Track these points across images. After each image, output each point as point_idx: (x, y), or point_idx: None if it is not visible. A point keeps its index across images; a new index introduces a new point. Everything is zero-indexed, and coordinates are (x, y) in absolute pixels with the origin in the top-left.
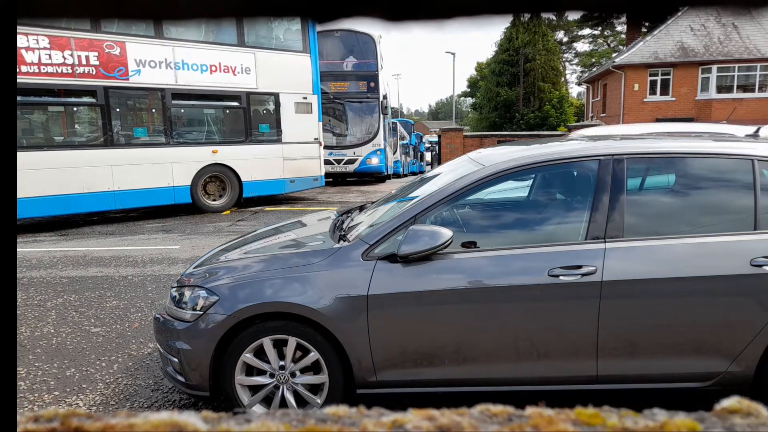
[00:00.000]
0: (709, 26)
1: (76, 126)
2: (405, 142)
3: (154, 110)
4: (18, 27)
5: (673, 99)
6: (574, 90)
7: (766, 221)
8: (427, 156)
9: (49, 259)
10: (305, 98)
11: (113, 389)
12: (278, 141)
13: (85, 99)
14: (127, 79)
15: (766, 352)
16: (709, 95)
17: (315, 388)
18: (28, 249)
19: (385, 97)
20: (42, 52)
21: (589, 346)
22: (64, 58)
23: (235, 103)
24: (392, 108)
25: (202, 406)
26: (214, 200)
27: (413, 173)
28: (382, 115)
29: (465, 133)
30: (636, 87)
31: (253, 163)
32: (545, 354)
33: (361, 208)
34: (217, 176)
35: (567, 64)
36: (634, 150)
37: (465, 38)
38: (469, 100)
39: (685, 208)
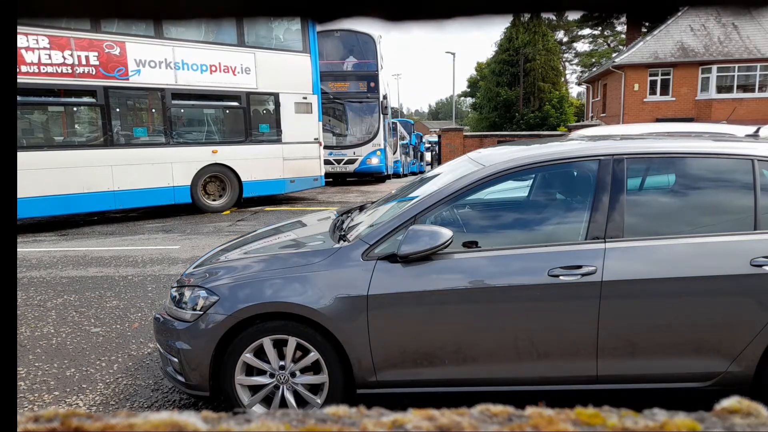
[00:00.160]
0: (709, 26)
1: (76, 126)
2: (405, 142)
3: (154, 110)
4: (18, 27)
5: (673, 99)
6: (574, 90)
7: (766, 221)
8: (427, 156)
9: (49, 259)
10: (305, 98)
11: (113, 389)
12: (278, 141)
13: (85, 99)
14: (127, 79)
15: (766, 352)
16: (709, 95)
17: (315, 388)
18: (28, 249)
19: (385, 97)
20: (42, 52)
21: (589, 346)
22: (64, 58)
23: (235, 103)
24: (392, 108)
25: (202, 406)
26: (214, 200)
27: (413, 173)
28: (382, 115)
29: (465, 133)
30: (636, 87)
31: (253, 163)
32: (545, 354)
33: (361, 208)
34: (217, 176)
35: (567, 64)
36: (634, 150)
37: (465, 38)
38: (469, 100)
39: (685, 208)
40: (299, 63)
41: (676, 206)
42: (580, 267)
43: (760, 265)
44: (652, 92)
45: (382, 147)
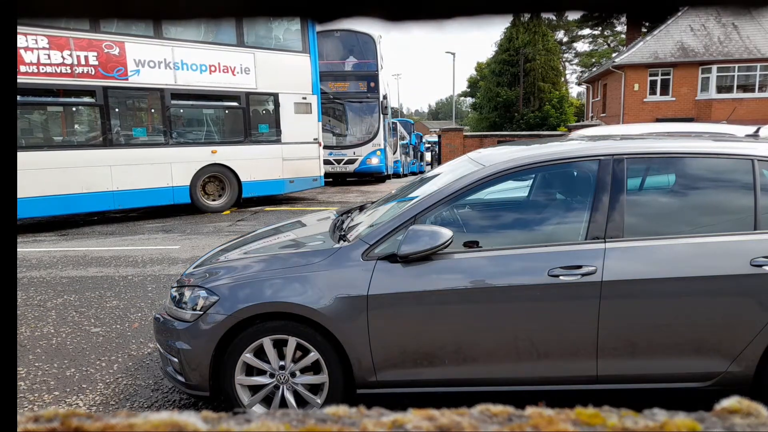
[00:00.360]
0: (709, 26)
1: (75, 126)
2: (405, 142)
3: (153, 110)
4: (18, 27)
5: (673, 99)
6: (574, 90)
7: (766, 221)
8: (427, 156)
9: (49, 259)
10: (305, 98)
11: (113, 389)
12: (277, 141)
13: (84, 99)
14: (126, 79)
15: (766, 352)
16: (709, 95)
17: (315, 388)
18: (28, 249)
19: (385, 97)
20: (41, 52)
21: (589, 346)
22: (63, 58)
23: (235, 104)
24: (392, 108)
25: (202, 406)
26: (213, 200)
27: (413, 173)
28: (382, 115)
29: (465, 133)
30: (636, 87)
31: (252, 163)
32: (545, 354)
33: (361, 208)
34: (216, 176)
35: (567, 64)
36: (634, 150)
37: (465, 38)
38: (469, 100)
39: (685, 208)
40: (299, 63)
41: (676, 206)
42: (580, 267)
43: (760, 265)
44: (652, 92)
45: (382, 147)
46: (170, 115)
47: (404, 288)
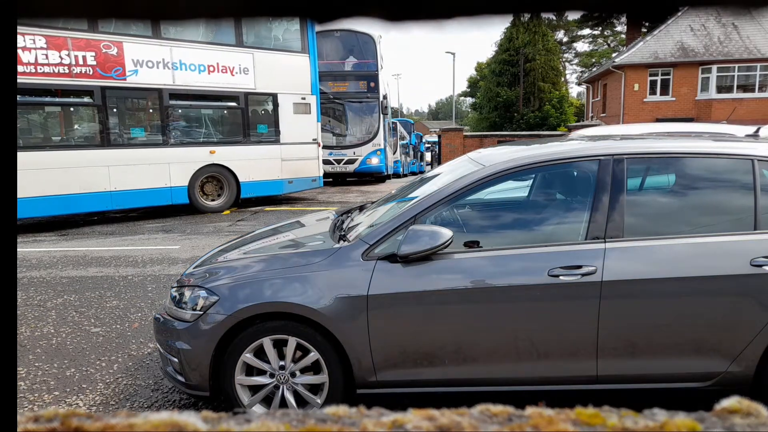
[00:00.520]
0: (709, 26)
1: (73, 126)
2: (405, 142)
3: (151, 110)
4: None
5: (673, 99)
6: (574, 90)
7: (766, 221)
8: (427, 156)
9: (49, 259)
10: (304, 99)
11: (113, 389)
12: (276, 142)
13: (82, 99)
14: (125, 80)
15: (766, 352)
16: (709, 95)
17: (315, 388)
18: (28, 249)
19: (385, 97)
20: (39, 52)
21: (589, 346)
22: (61, 58)
23: (233, 104)
24: (392, 108)
25: (202, 406)
26: (211, 201)
27: (413, 173)
28: (382, 115)
29: (465, 133)
30: (636, 87)
31: (250, 163)
32: (545, 354)
33: (361, 208)
34: (215, 177)
35: (567, 64)
36: (634, 150)
37: (465, 38)
38: (469, 100)
39: (685, 208)
40: (298, 63)
41: (676, 206)
42: (580, 267)
43: (760, 265)
44: (652, 92)
45: (382, 147)
46: (168, 116)
47: (404, 288)
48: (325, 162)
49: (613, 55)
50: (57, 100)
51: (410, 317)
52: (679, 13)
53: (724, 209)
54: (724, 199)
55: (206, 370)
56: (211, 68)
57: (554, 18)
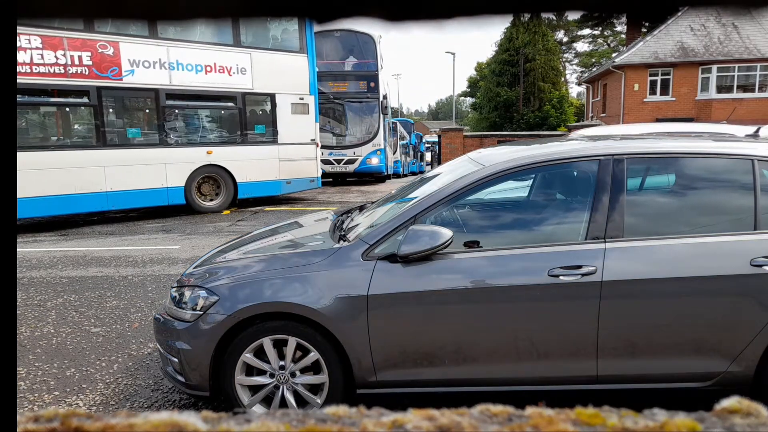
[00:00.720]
0: (709, 26)
1: (69, 126)
2: (405, 142)
3: (147, 111)
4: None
5: (673, 99)
6: (574, 90)
7: (766, 221)
8: (427, 156)
9: (49, 259)
10: (302, 99)
11: (113, 389)
12: (274, 142)
13: (78, 99)
14: (121, 80)
15: (766, 352)
16: (709, 95)
17: (315, 388)
18: (28, 249)
19: (385, 97)
20: (34, 51)
21: (589, 346)
22: (57, 58)
23: (231, 104)
24: (392, 108)
25: (202, 406)
26: (208, 201)
27: (413, 173)
28: (382, 115)
29: (465, 133)
30: (636, 87)
31: (248, 164)
32: (545, 354)
33: (361, 208)
34: (212, 177)
35: (567, 64)
36: (634, 150)
37: (465, 38)
38: (469, 100)
39: (685, 208)
40: (296, 63)
41: (676, 206)
42: (580, 267)
43: (760, 265)
44: (652, 92)
45: (382, 147)
46: (165, 116)
47: (404, 288)
48: (325, 162)
49: (613, 55)
50: (53, 100)
51: (410, 317)
52: (679, 13)
53: (724, 209)
54: (724, 199)
55: (206, 370)
56: (209, 68)
57: (554, 18)
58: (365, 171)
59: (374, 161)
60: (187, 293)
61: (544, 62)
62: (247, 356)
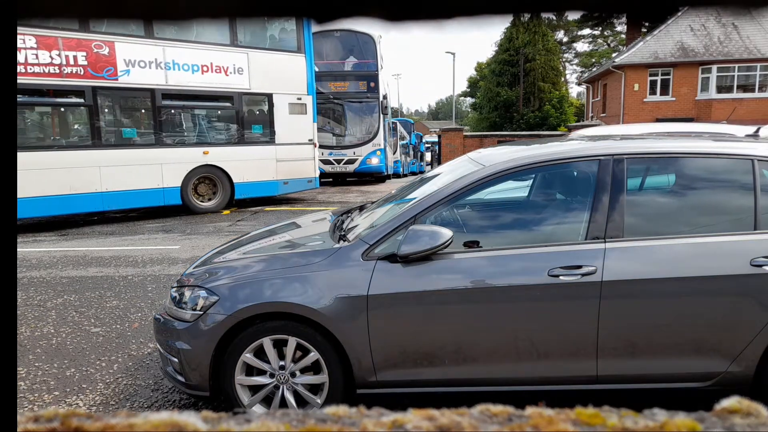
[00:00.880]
0: (709, 26)
1: (64, 126)
2: (405, 142)
3: (143, 111)
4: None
5: (673, 99)
6: (574, 90)
7: (766, 221)
8: (427, 156)
9: (49, 259)
10: (299, 99)
11: (113, 389)
12: (271, 142)
13: (73, 99)
14: (116, 80)
15: (766, 352)
16: (709, 95)
17: (315, 388)
18: (28, 249)
19: (385, 97)
20: (29, 51)
21: (589, 346)
22: (52, 58)
23: (227, 104)
24: (392, 108)
25: (202, 406)
26: (204, 201)
27: (413, 173)
28: (382, 115)
29: (465, 133)
30: (636, 87)
31: (245, 164)
32: (545, 354)
33: (361, 208)
34: (209, 177)
35: (567, 64)
36: (634, 150)
37: (465, 38)
38: (469, 100)
39: (685, 208)
40: (294, 63)
41: (676, 206)
42: (580, 267)
43: (760, 265)
44: (652, 92)
45: (382, 147)
46: (161, 116)
47: (404, 288)
48: (325, 162)
49: (613, 55)
50: (47, 100)
51: (410, 317)
52: (679, 13)
53: (724, 209)
54: (724, 199)
55: (206, 370)
56: (205, 68)
57: (554, 18)
58: (365, 171)
59: (374, 161)
60: (187, 293)
61: (544, 62)
62: (247, 356)
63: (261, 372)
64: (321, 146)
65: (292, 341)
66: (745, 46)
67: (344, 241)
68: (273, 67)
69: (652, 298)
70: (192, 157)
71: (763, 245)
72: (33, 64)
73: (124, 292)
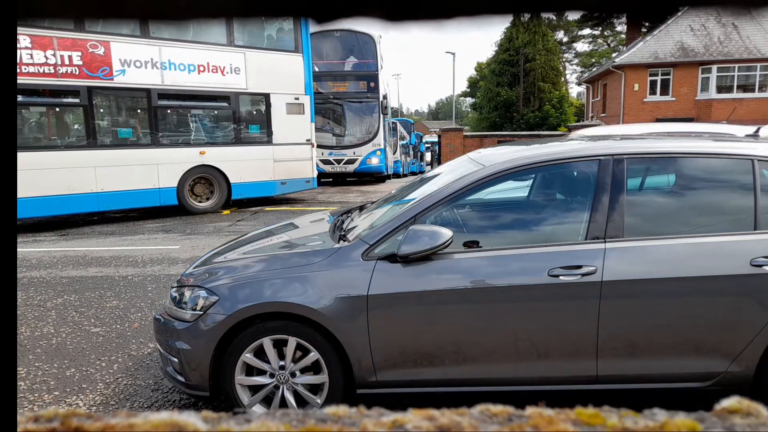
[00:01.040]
0: (709, 26)
1: (59, 127)
2: (405, 142)
3: (139, 111)
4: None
5: (673, 99)
6: (574, 90)
7: (766, 221)
8: (427, 156)
9: (49, 259)
10: (297, 99)
11: (113, 389)
12: (268, 142)
13: (68, 99)
14: (112, 80)
15: (766, 352)
16: (709, 95)
17: (315, 388)
18: (28, 249)
19: (385, 97)
20: (23, 51)
21: (589, 346)
22: (46, 58)
23: (224, 104)
24: (392, 108)
25: (202, 406)
26: (201, 202)
27: (413, 173)
28: (382, 115)
29: (465, 133)
30: (636, 87)
31: (242, 164)
32: (545, 354)
33: (361, 208)
34: (205, 178)
35: (567, 64)
36: (634, 150)
37: (465, 38)
38: (469, 100)
39: (685, 208)
40: (291, 63)
41: (676, 206)
42: (580, 267)
43: (760, 265)
44: (652, 92)
45: (382, 147)
46: (157, 116)
47: (404, 288)
48: (325, 162)
49: (613, 55)
50: (42, 100)
51: (410, 317)
52: (679, 13)
53: (724, 209)
54: (724, 199)
55: (206, 370)
56: (201, 68)
57: (554, 18)
58: (365, 171)
59: (374, 161)
60: (187, 293)
61: (544, 62)
62: (247, 356)
63: (261, 372)
64: (321, 146)
65: (292, 341)
66: (745, 46)
67: (344, 241)
68: (270, 67)
69: (652, 298)
70: (188, 157)
71: (763, 245)
72: (28, 64)
73: (124, 292)
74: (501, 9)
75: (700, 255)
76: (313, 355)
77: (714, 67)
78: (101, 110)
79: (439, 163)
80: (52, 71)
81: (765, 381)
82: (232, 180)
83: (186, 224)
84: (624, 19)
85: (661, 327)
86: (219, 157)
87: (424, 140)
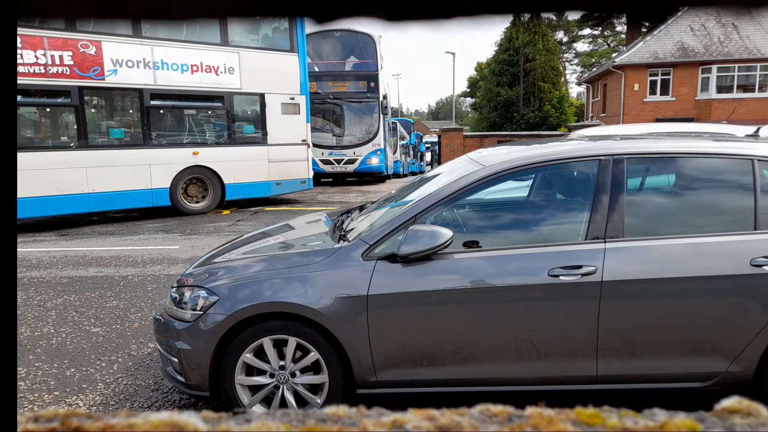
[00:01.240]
0: (709, 26)
1: (50, 127)
2: (405, 142)
3: (131, 111)
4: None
5: (673, 99)
6: (574, 90)
7: (766, 221)
8: (427, 156)
9: (49, 259)
10: (292, 99)
11: (113, 389)
12: (263, 143)
13: (59, 99)
14: (103, 79)
15: (766, 352)
16: (709, 95)
17: (315, 388)
18: (28, 249)
19: (385, 97)
20: None
21: (589, 346)
22: (37, 58)
23: (218, 104)
24: (392, 108)
25: (202, 406)
26: (194, 203)
27: (413, 173)
28: (382, 115)
29: (465, 133)
30: (636, 87)
31: (236, 165)
32: (545, 354)
33: (361, 208)
34: (199, 178)
35: (567, 64)
36: (634, 150)
37: (465, 38)
38: (469, 100)
39: (685, 208)
40: (286, 62)
41: (676, 206)
42: (580, 267)
43: (760, 265)
44: (652, 92)
45: (382, 147)
46: (149, 116)
47: (404, 288)
48: (325, 162)
49: (613, 55)
50: (33, 100)
51: (410, 317)
52: (679, 13)
53: (724, 209)
54: (724, 199)
55: (206, 370)
56: (195, 68)
57: (554, 18)
58: (365, 171)
59: (374, 161)
60: (187, 293)
61: (544, 62)
62: (247, 356)
63: (261, 372)
64: (321, 146)
65: (292, 341)
66: (745, 46)
67: (344, 241)
68: (265, 67)
69: (652, 298)
70: (181, 157)
71: (763, 245)
72: (18, 64)
73: (124, 292)
74: (501, 9)
75: (700, 255)
76: (313, 355)
77: (714, 67)
78: (93, 110)
79: (439, 163)
80: (43, 71)
81: (765, 381)
82: (226, 181)
83: (186, 224)
84: (624, 19)
85: (661, 327)
86: (213, 157)
87: (424, 140)
